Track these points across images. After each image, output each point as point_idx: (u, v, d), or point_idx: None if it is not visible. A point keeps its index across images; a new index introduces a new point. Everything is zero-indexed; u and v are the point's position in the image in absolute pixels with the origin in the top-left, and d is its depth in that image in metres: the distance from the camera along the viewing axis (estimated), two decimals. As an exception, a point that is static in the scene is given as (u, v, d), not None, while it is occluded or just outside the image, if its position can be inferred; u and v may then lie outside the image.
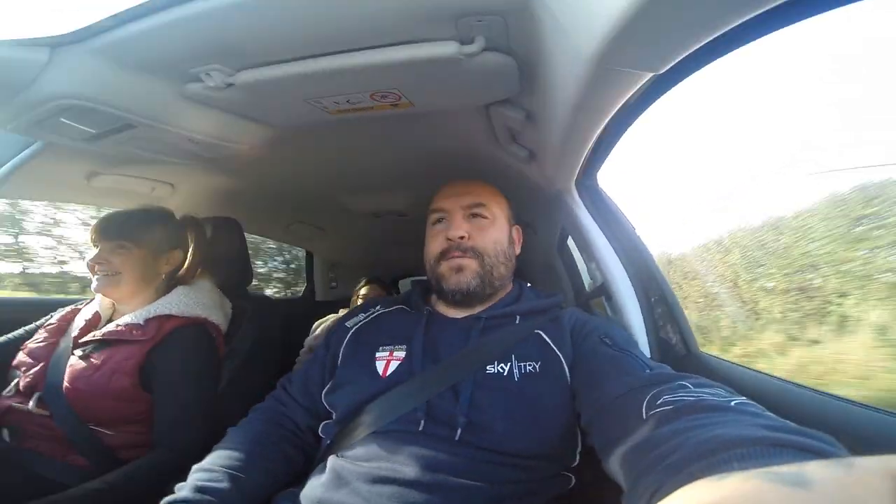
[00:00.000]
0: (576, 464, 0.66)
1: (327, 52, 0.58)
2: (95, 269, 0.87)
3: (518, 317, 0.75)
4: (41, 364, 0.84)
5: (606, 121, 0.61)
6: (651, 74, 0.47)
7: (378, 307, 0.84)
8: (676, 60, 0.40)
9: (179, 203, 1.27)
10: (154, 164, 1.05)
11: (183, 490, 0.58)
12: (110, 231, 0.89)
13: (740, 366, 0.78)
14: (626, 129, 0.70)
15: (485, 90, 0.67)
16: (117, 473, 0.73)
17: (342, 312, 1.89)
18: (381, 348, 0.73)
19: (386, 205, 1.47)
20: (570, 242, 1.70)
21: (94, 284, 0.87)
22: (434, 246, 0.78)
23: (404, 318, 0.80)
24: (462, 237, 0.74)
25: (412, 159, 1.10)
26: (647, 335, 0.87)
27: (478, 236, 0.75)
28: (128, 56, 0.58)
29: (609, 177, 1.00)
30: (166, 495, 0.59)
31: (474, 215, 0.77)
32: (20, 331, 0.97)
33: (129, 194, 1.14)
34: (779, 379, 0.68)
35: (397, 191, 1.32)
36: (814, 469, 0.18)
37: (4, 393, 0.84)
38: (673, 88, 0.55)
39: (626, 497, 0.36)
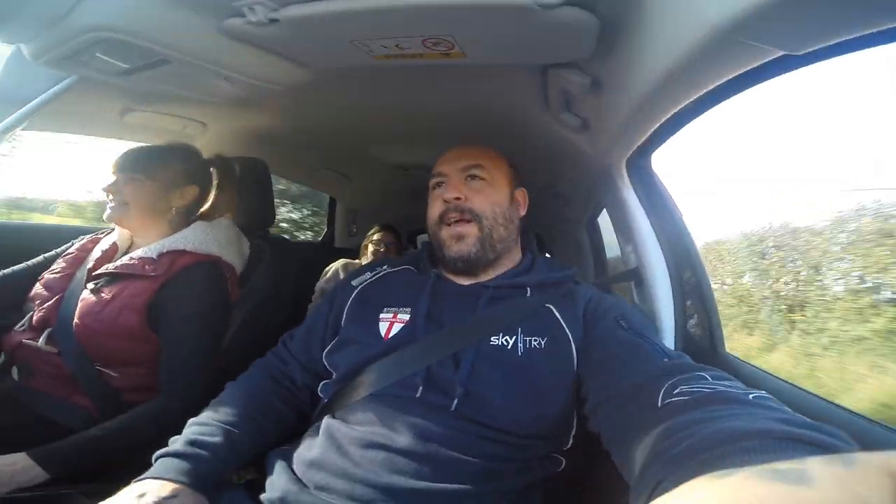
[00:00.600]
0: (568, 447, 0.65)
1: (385, -12, 0.51)
2: (108, 197, 0.86)
3: (529, 289, 0.72)
4: (56, 297, 0.83)
5: (696, 96, 0.54)
6: (780, 53, 0.40)
7: (385, 266, 0.83)
8: (818, 46, 0.34)
9: (210, 142, 1.23)
10: (187, 102, 1.01)
11: (176, 443, 0.59)
12: (126, 164, 0.87)
13: (767, 372, 0.76)
14: (709, 109, 0.62)
15: (552, 49, 0.61)
16: (118, 421, 0.72)
17: (355, 260, 1.91)
18: (385, 309, 0.72)
19: (416, 158, 1.41)
20: (601, 221, 1.66)
21: (105, 212, 0.86)
22: (433, 210, 0.76)
23: (411, 279, 0.78)
24: (458, 198, 0.72)
25: (450, 115, 1.04)
26: (675, 328, 0.84)
27: (475, 198, 0.73)
28: None
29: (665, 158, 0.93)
30: (165, 443, 0.60)
31: (472, 177, 0.75)
32: (39, 258, 0.96)
33: (161, 131, 1.11)
34: (807, 392, 0.65)
35: (430, 145, 1.26)
36: (815, 466, 0.18)
37: (17, 327, 0.84)
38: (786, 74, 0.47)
39: (633, 486, 0.36)
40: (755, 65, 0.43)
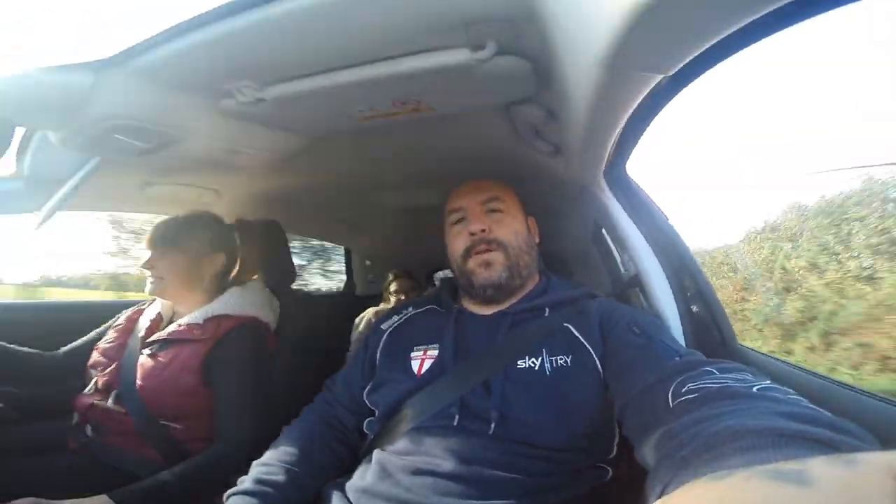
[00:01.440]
0: (613, 455, 0.67)
1: (347, 64, 0.60)
2: (147, 273, 0.96)
3: (547, 309, 0.75)
4: (115, 363, 0.92)
5: (624, 121, 0.60)
6: (661, 76, 0.46)
7: (410, 308, 0.88)
8: (685, 62, 0.39)
9: (225, 208, 1.36)
10: (200, 172, 1.13)
11: (245, 482, 0.66)
12: (156, 239, 0.97)
13: (780, 360, 0.75)
14: (645, 127, 0.68)
15: (502, 92, 0.68)
16: (184, 465, 0.79)
17: (381, 306, 1.97)
18: (415, 348, 0.76)
19: (419, 200, 1.50)
20: (605, 233, 1.67)
21: (146, 287, 0.96)
22: (457, 244, 0.80)
23: (435, 317, 0.83)
24: (483, 230, 0.77)
25: (439, 158, 1.12)
26: (683, 327, 0.85)
27: (497, 229, 0.78)
28: (165, 76, 0.63)
29: (640, 166, 0.97)
30: (227, 484, 0.67)
31: (492, 210, 0.80)
32: (93, 333, 1.07)
33: (179, 202, 1.23)
34: (821, 376, 0.65)
35: (427, 187, 1.34)
36: (816, 466, 0.18)
37: (86, 391, 0.93)
38: (686, 88, 0.53)
39: (646, 488, 0.37)
40: (648, 89, 0.48)
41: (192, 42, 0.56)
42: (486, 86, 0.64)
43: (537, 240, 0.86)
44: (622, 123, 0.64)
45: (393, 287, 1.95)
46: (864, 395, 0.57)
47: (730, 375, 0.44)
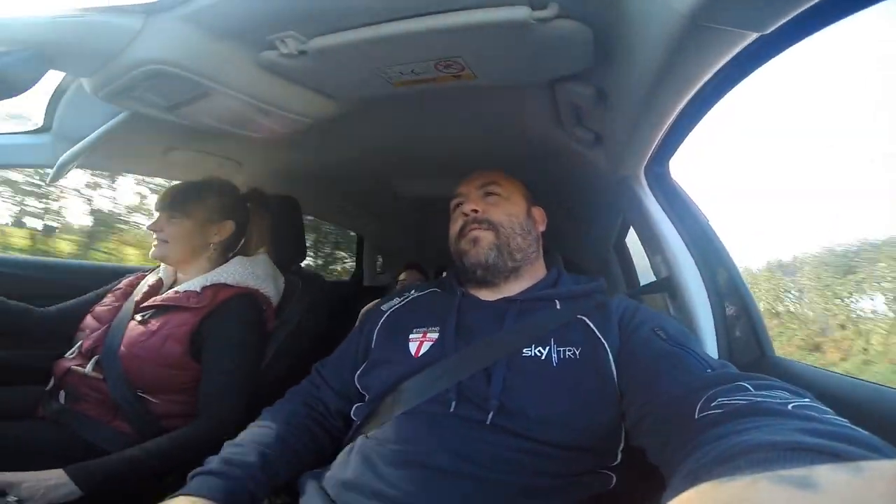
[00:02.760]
0: (616, 462, 0.61)
1: (395, 17, 0.57)
2: (153, 236, 0.94)
3: (558, 301, 0.72)
4: (104, 327, 0.89)
5: (692, 93, 0.56)
6: (755, 35, 0.42)
7: (413, 291, 0.85)
8: (786, 19, 0.35)
9: (245, 180, 1.33)
10: (224, 141, 1.11)
11: (212, 462, 0.60)
12: (165, 202, 0.95)
13: (825, 370, 0.70)
14: (711, 107, 0.64)
15: (554, 62, 0.64)
16: (156, 442, 0.74)
17: None
18: (414, 329, 0.73)
19: (438, 191, 1.46)
20: (628, 241, 1.63)
21: (151, 250, 0.94)
22: (454, 227, 0.80)
23: (438, 299, 0.80)
24: (475, 210, 0.76)
25: (468, 142, 1.09)
26: (717, 334, 0.80)
27: (492, 210, 0.77)
28: (212, 21, 0.61)
29: (682, 166, 0.93)
30: (201, 465, 0.61)
31: (488, 194, 0.79)
32: (90, 294, 1.03)
33: (200, 170, 1.20)
34: (869, 383, 0.60)
35: (450, 177, 1.31)
36: (822, 472, 0.17)
37: (67, 354, 0.88)
38: (778, 56, 0.49)
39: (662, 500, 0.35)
40: (734, 51, 0.44)
41: None
42: (539, 53, 0.61)
43: (541, 228, 0.83)
44: (686, 99, 0.60)
45: (403, 276, 1.93)
46: None
47: (764, 392, 0.41)
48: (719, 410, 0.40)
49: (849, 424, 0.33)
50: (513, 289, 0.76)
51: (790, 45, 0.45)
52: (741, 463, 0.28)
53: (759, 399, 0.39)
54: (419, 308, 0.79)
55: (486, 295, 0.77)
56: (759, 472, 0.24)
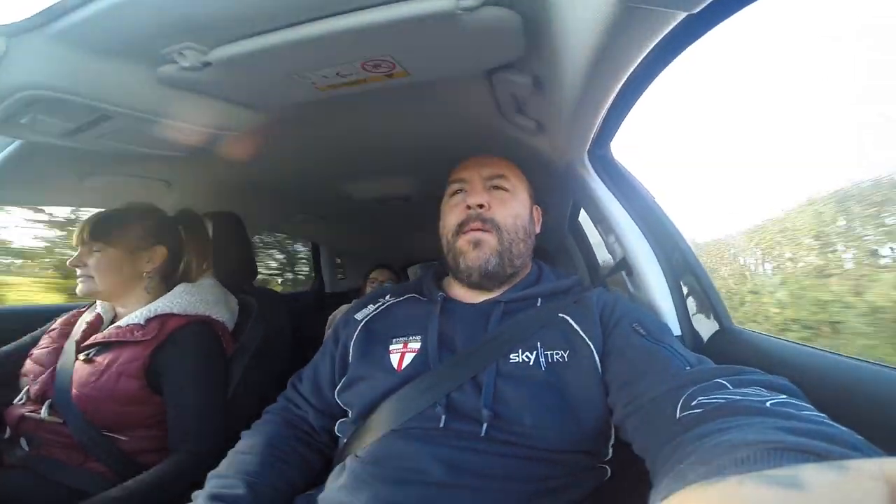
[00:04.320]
0: (610, 457, 0.62)
1: (304, 19, 0.52)
2: (77, 272, 0.87)
3: (539, 299, 0.70)
4: (49, 370, 0.84)
5: (626, 75, 0.54)
6: (683, 14, 0.40)
7: (388, 297, 0.80)
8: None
9: (177, 200, 1.23)
10: (148, 161, 1.01)
11: (199, 498, 0.57)
12: (84, 234, 0.87)
13: (779, 339, 0.72)
14: (646, 87, 0.63)
15: (486, 52, 0.61)
16: (138, 480, 0.72)
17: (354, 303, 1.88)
18: (394, 340, 0.69)
19: (389, 190, 1.42)
20: (581, 220, 1.66)
21: (77, 287, 0.87)
22: (452, 218, 0.73)
23: (417, 306, 0.75)
24: (482, 205, 0.70)
25: (412, 139, 1.04)
26: (676, 310, 0.82)
27: (498, 208, 0.71)
28: (92, 39, 0.53)
29: (622, 148, 0.93)
30: (188, 499, 0.58)
31: (495, 187, 0.73)
32: (26, 338, 0.97)
33: (124, 194, 1.10)
34: (822, 350, 0.62)
35: (399, 175, 1.27)
36: (808, 472, 0.18)
37: (16, 401, 0.83)
38: (705, 35, 0.48)
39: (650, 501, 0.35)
40: (665, 31, 0.43)
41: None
42: (470, 44, 0.57)
43: (538, 230, 0.81)
44: (615, 92, 0.59)
45: (374, 274, 1.87)
46: (878, 366, 0.54)
47: (742, 390, 0.41)
48: (699, 410, 0.40)
49: (826, 420, 0.34)
50: (499, 289, 0.74)
51: (718, 22, 0.44)
52: (725, 462, 0.28)
53: (737, 398, 0.40)
54: (397, 316, 0.75)
55: (469, 297, 0.74)
56: (744, 471, 0.25)
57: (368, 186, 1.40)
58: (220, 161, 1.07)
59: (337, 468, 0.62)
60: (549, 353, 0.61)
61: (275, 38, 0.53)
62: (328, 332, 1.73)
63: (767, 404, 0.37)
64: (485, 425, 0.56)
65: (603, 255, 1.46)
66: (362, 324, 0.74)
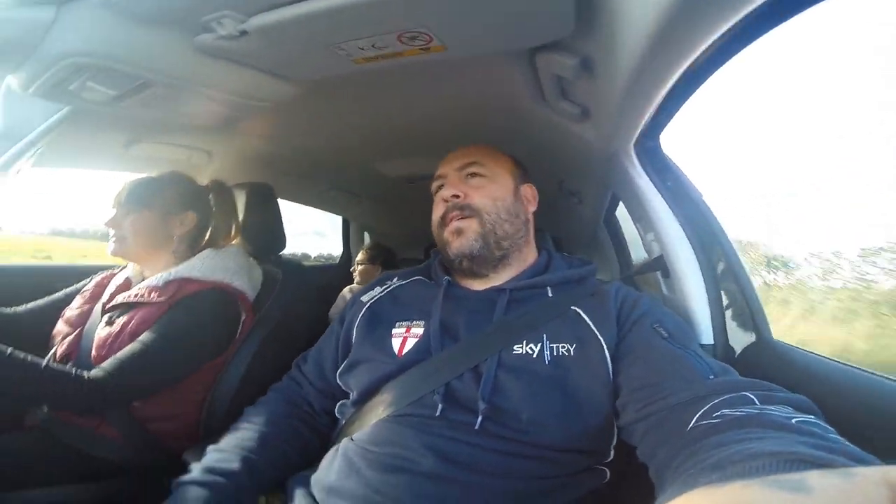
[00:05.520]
0: (610, 459, 0.60)
1: (346, -16, 0.49)
2: (111, 233, 0.89)
3: (549, 288, 0.68)
4: (76, 332, 0.86)
5: (688, 62, 0.49)
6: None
7: (395, 279, 0.79)
8: None
9: (217, 170, 1.26)
10: (190, 131, 1.03)
11: (195, 470, 0.58)
12: (121, 197, 0.90)
13: (821, 356, 0.67)
14: (708, 76, 0.57)
15: (531, 29, 0.57)
16: (43, 368, 0.69)
17: (354, 284, 1.90)
18: (397, 324, 0.68)
19: (420, 169, 1.39)
20: (618, 215, 1.58)
21: (109, 247, 0.89)
22: (436, 213, 0.74)
23: (422, 290, 0.74)
24: (456, 195, 0.70)
25: (446, 119, 1.01)
26: (712, 318, 0.77)
27: (474, 194, 0.71)
28: (135, 7, 0.54)
29: (673, 140, 0.87)
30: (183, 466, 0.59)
31: (471, 175, 0.73)
32: (59, 294, 0.99)
33: (167, 162, 1.13)
34: (869, 372, 0.57)
35: (431, 155, 1.23)
36: (814, 477, 0.18)
37: (44, 362, 0.85)
38: (787, 22, 0.42)
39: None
40: (738, 16, 0.38)
41: None
42: (514, 17, 0.53)
43: (532, 208, 0.77)
44: (674, 79, 0.54)
45: (360, 258, 1.89)
46: None
47: (770, 407, 0.40)
48: (718, 420, 0.39)
49: (850, 444, 0.32)
50: (501, 277, 0.72)
51: (801, 9, 0.39)
52: (739, 469, 0.27)
53: (765, 412, 0.38)
54: (402, 299, 0.74)
55: (474, 284, 0.72)
56: (755, 478, 0.24)
57: (399, 164, 1.38)
58: (258, 132, 1.08)
59: (332, 450, 0.62)
60: (554, 345, 0.59)
61: (312, 7, 0.51)
62: (332, 310, 1.78)
63: (793, 421, 0.36)
64: (480, 417, 0.55)
65: (637, 252, 1.40)
66: (367, 306, 0.74)
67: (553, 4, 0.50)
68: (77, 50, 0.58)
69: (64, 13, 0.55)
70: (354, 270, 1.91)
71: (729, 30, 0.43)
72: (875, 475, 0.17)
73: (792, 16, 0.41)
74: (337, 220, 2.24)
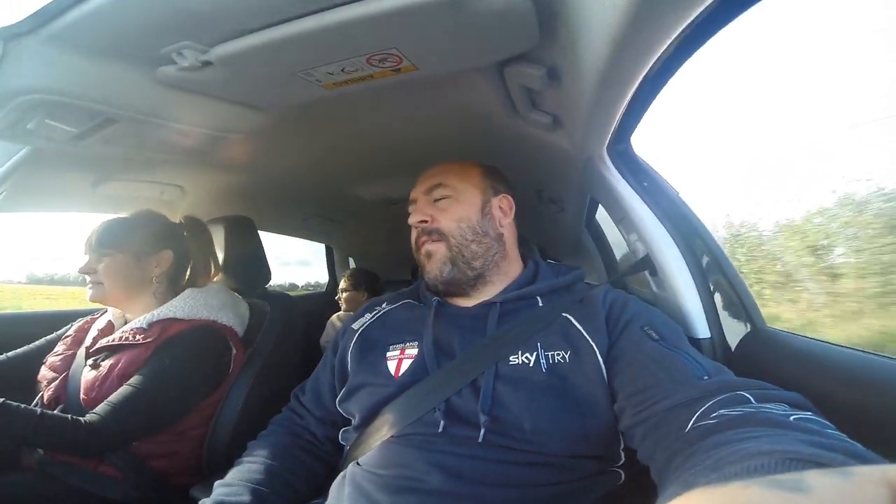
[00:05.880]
0: (622, 462, 0.59)
1: (310, 10, 0.49)
2: (87, 279, 0.88)
3: (539, 298, 0.68)
4: (62, 376, 0.85)
5: (649, 64, 0.50)
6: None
7: (385, 304, 0.80)
8: None
9: (191, 205, 1.24)
10: (160, 166, 1.01)
11: None
12: (92, 241, 0.89)
13: (817, 340, 0.67)
14: (669, 78, 0.59)
15: (497, 42, 0.58)
16: (36, 414, 0.69)
17: (341, 312, 1.88)
18: (391, 347, 0.69)
19: (399, 191, 1.39)
20: (599, 218, 1.61)
21: (87, 293, 0.88)
22: (412, 238, 0.75)
23: (411, 312, 0.75)
24: (424, 221, 0.71)
25: (422, 138, 1.02)
26: (705, 312, 0.77)
27: (440, 217, 0.71)
28: (87, 40, 0.53)
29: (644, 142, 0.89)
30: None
31: (437, 198, 0.73)
32: (42, 341, 0.98)
33: (138, 200, 1.11)
34: (863, 351, 0.58)
35: (410, 176, 1.24)
36: (813, 477, 0.18)
37: (31, 407, 0.84)
38: (734, 22, 0.44)
39: None
40: (692, 16, 0.39)
41: None
42: (479, 32, 0.54)
43: (507, 220, 0.76)
44: (637, 83, 0.55)
45: (343, 285, 1.87)
46: None
47: (766, 405, 0.40)
48: (716, 421, 0.39)
49: (849, 440, 0.32)
50: (490, 291, 0.72)
51: (746, 8, 0.40)
52: (736, 469, 0.27)
53: (762, 410, 0.38)
54: (393, 322, 0.74)
55: (463, 301, 0.72)
56: (754, 478, 0.23)
57: (378, 187, 1.38)
58: (232, 164, 1.07)
59: (339, 477, 0.62)
60: (549, 353, 0.59)
61: (276, 34, 0.51)
62: (323, 338, 1.75)
63: (791, 418, 0.36)
64: (482, 430, 0.55)
65: (621, 254, 1.41)
66: (358, 333, 0.74)
67: (516, 17, 0.51)
68: (30, 87, 0.56)
69: (11, 49, 0.53)
70: (340, 298, 1.89)
71: (683, 31, 0.44)
72: (875, 474, 0.17)
73: (739, 13, 0.42)
74: (320, 248, 2.22)
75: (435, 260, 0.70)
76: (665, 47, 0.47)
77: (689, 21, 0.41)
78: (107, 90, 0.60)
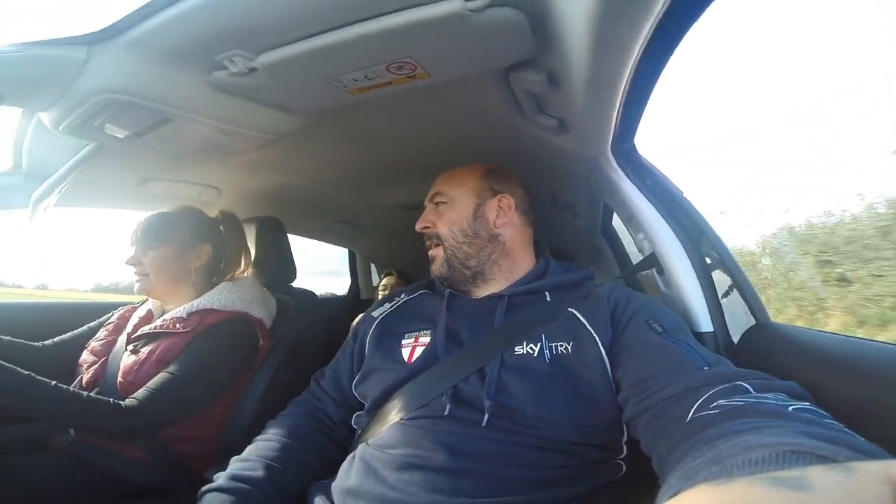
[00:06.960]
0: (624, 454, 0.61)
1: (336, 25, 0.58)
2: (133, 272, 0.95)
3: (547, 293, 0.72)
4: (101, 361, 0.91)
5: (632, 64, 0.55)
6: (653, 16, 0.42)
7: (403, 295, 0.85)
8: None
9: (226, 206, 1.34)
10: (200, 168, 1.11)
11: (220, 479, 0.61)
12: (138, 234, 0.96)
13: (821, 331, 0.69)
14: (657, 75, 0.63)
15: (499, 51, 0.64)
16: (71, 393, 0.73)
17: None
18: (406, 335, 0.73)
19: (418, 195, 1.46)
20: (615, 225, 1.62)
21: (134, 286, 0.95)
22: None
23: (428, 302, 0.80)
24: (426, 227, 0.79)
25: (438, 143, 1.09)
26: (708, 307, 0.79)
27: (438, 222, 0.78)
28: (157, 46, 0.61)
29: (648, 142, 0.92)
30: (202, 480, 0.62)
31: (438, 203, 0.81)
32: (84, 328, 1.05)
33: (178, 199, 1.20)
34: (869, 341, 0.59)
35: (427, 180, 1.31)
36: (816, 473, 0.18)
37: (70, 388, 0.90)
38: (706, 13, 0.49)
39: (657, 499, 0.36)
40: (660, 8, 0.44)
41: (184, 8, 0.55)
42: (482, 43, 0.61)
43: (506, 219, 0.78)
44: (626, 82, 0.60)
45: (384, 281, 1.94)
46: None
47: (765, 395, 0.41)
48: (717, 411, 0.40)
49: (844, 429, 0.33)
50: (493, 286, 0.76)
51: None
52: (737, 462, 0.28)
53: (761, 400, 0.39)
54: (410, 312, 0.79)
55: (474, 293, 0.77)
56: (755, 472, 0.26)
57: (398, 192, 1.45)
58: (263, 168, 1.16)
59: (349, 457, 0.65)
60: (553, 344, 0.62)
61: (311, 44, 0.60)
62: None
63: (790, 409, 0.37)
64: (486, 415, 0.58)
65: (634, 255, 1.42)
66: (378, 320, 0.80)
67: (512, 28, 0.58)
68: (106, 87, 0.65)
69: (95, 52, 0.62)
70: (385, 289, 1.98)
71: (651, 30, 0.49)
72: (876, 470, 0.17)
73: (703, 9, 0.47)
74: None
75: (436, 262, 0.78)
76: (641, 45, 0.51)
77: (652, 19, 0.46)
78: (167, 91, 0.68)
